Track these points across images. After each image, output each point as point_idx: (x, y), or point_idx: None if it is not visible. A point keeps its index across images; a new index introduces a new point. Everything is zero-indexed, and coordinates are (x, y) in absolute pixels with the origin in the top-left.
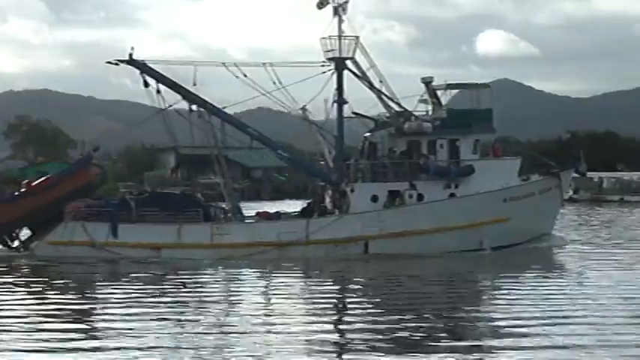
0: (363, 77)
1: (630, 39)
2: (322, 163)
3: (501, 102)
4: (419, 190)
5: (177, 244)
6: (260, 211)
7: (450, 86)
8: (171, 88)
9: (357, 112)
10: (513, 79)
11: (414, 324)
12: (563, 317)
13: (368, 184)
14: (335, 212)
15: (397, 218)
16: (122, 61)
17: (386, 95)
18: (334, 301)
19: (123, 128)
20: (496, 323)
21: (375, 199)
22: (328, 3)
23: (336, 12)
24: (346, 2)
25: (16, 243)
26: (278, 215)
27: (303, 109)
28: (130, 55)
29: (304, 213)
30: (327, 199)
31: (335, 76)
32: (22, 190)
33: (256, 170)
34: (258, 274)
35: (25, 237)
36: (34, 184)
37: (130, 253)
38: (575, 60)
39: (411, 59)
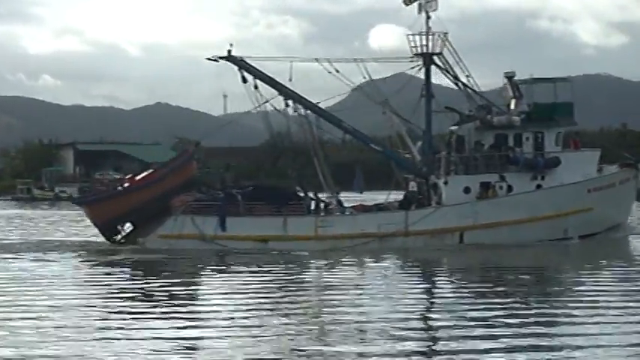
0: (450, 72)
1: (522, 33)
2: (408, 155)
3: (402, 97)
4: (508, 181)
5: (283, 237)
6: (356, 204)
7: (535, 80)
8: (268, 84)
9: (448, 106)
10: (411, 74)
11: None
12: None
13: (460, 176)
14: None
15: (490, 209)
16: (222, 58)
17: (472, 90)
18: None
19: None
20: None
21: (467, 190)
22: (416, 0)
23: (420, 9)
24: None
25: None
26: (377, 208)
27: (385, 103)
28: (229, 51)
29: (402, 205)
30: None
31: (422, 72)
32: (127, 184)
33: (154, 166)
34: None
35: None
36: (138, 178)
37: (238, 245)
38: (469, 54)
39: (305, 54)
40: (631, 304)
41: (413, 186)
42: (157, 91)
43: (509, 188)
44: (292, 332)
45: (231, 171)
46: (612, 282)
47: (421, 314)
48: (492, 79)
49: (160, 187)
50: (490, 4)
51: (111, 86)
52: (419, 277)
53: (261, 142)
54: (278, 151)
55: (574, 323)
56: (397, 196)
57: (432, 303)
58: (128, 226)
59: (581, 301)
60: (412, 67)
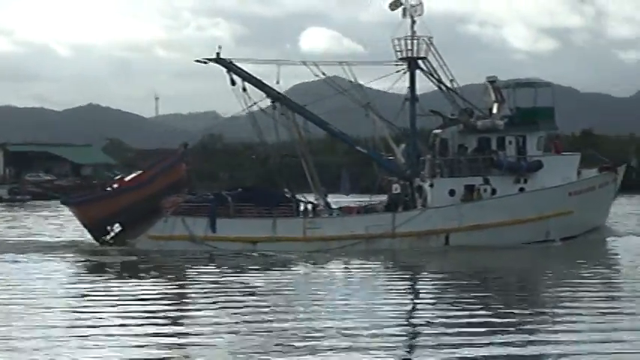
0: (434, 76)
1: (452, 38)
2: (392, 158)
3: (333, 100)
4: (492, 184)
5: (271, 238)
6: (343, 206)
7: (518, 85)
8: (256, 86)
9: (433, 109)
10: (343, 77)
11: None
12: None
13: (445, 179)
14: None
15: (475, 212)
16: (210, 60)
17: (456, 93)
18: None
19: None
20: None
21: (452, 193)
22: (402, 4)
23: (405, 14)
24: (419, 4)
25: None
26: (365, 209)
27: (367, 106)
28: (218, 53)
29: (389, 207)
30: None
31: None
32: (117, 185)
33: (86, 167)
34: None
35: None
36: (127, 179)
37: (227, 246)
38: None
39: (237, 56)
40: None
41: (396, 188)
42: (87, 92)
43: (493, 191)
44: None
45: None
46: (593, 285)
47: (328, 322)
48: (421, 83)
49: (149, 189)
50: None
51: (42, 87)
52: (370, 280)
53: (192, 144)
54: (264, 153)
55: (556, 331)
56: (379, 198)
57: (347, 308)
58: (117, 227)
59: (562, 306)
60: (397, 71)
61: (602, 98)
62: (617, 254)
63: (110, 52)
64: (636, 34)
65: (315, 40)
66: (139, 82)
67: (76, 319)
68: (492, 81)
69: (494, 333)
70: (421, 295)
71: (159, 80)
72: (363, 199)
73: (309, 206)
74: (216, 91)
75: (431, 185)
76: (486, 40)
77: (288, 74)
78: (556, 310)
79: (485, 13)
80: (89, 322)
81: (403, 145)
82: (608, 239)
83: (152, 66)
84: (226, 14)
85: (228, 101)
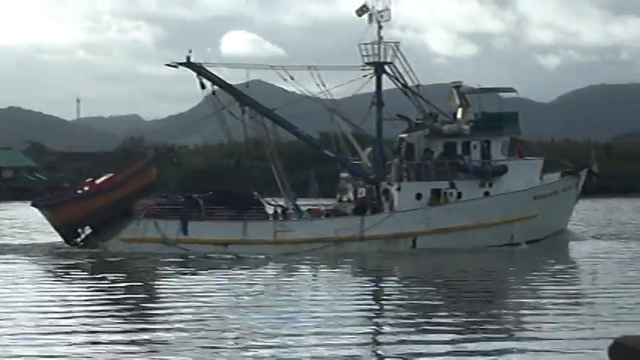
0: (400, 81)
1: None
2: (357, 162)
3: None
4: (458, 188)
5: (242, 241)
6: (311, 208)
7: (482, 90)
8: (225, 90)
9: (400, 114)
10: (266, 81)
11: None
12: None
13: (413, 183)
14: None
15: (441, 215)
16: (181, 64)
17: (423, 99)
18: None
19: None
20: None
21: (419, 197)
22: (368, 10)
23: (371, 19)
24: (386, 10)
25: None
26: (333, 212)
27: (332, 110)
28: (188, 57)
29: (357, 210)
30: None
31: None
32: (87, 188)
33: (6, 170)
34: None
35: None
36: (98, 182)
37: (199, 249)
38: (320, 61)
39: (159, 59)
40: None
41: (362, 192)
42: (7, 95)
43: (459, 195)
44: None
45: (84, 176)
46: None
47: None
48: (346, 87)
49: (121, 191)
50: (342, 12)
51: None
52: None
53: (114, 147)
54: (238, 156)
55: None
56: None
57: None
58: (87, 229)
59: (525, 306)
60: (364, 76)
61: (523, 103)
62: (578, 257)
63: (31, 54)
64: (556, 40)
65: (236, 44)
66: (60, 84)
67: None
68: (457, 86)
69: (456, 332)
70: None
71: (80, 83)
72: (330, 202)
73: (279, 209)
74: (137, 95)
75: (398, 189)
76: (408, 44)
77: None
78: (519, 311)
79: (407, 18)
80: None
81: (369, 149)
82: (570, 242)
83: (73, 68)
84: (147, 17)
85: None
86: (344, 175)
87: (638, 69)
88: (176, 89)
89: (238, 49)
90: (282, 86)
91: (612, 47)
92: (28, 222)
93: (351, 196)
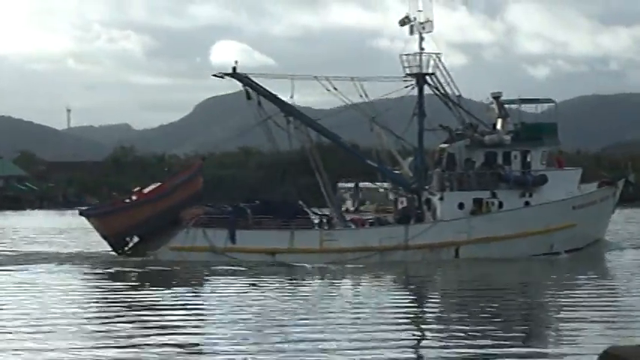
0: (441, 92)
1: (363, 52)
2: (398, 171)
3: (246, 112)
4: (499, 198)
5: (289, 250)
6: (354, 217)
7: (523, 101)
8: (271, 101)
9: (442, 124)
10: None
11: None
12: None
13: (455, 192)
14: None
15: (484, 225)
16: (227, 75)
17: (463, 109)
18: None
19: None
20: None
21: (461, 206)
22: (410, 21)
23: (412, 31)
24: (428, 21)
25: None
26: (377, 221)
27: (372, 119)
28: (234, 68)
29: (401, 220)
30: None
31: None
32: (136, 198)
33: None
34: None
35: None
36: (146, 191)
37: (246, 257)
38: (311, 71)
39: (148, 69)
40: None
41: (402, 201)
42: None
43: (500, 204)
44: None
45: (75, 185)
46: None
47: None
48: (329, 97)
49: (168, 201)
50: (332, 22)
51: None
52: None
53: (104, 157)
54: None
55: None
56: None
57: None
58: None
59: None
60: (406, 87)
61: (512, 113)
62: (618, 267)
63: (21, 64)
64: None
65: (226, 54)
66: (50, 94)
67: None
68: (497, 97)
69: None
70: None
71: (70, 92)
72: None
73: (324, 218)
74: (128, 104)
75: (441, 198)
76: (397, 54)
77: (197, 87)
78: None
79: (397, 28)
80: None
81: (410, 159)
82: (607, 252)
83: (64, 78)
84: (137, 26)
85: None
86: (342, 184)
87: (627, 79)
88: (167, 98)
89: (228, 59)
90: (277, 93)
91: (601, 58)
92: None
93: (349, 205)
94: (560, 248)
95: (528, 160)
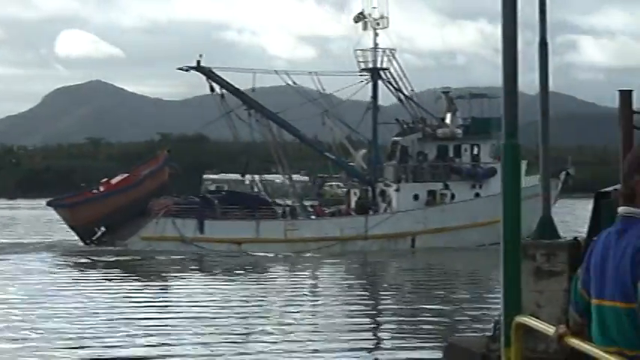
0: (394, 86)
1: (210, 43)
2: (352, 164)
3: (96, 103)
4: (451, 189)
5: (255, 239)
6: (315, 206)
7: (473, 95)
8: (233, 94)
9: (397, 118)
10: (105, 81)
11: None
12: None
13: (411, 184)
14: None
15: (438, 215)
16: (191, 68)
17: (416, 103)
18: None
19: None
20: None
21: (416, 197)
22: (364, 18)
23: (366, 26)
24: (383, 18)
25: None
26: (338, 212)
27: (325, 112)
28: (198, 62)
29: (360, 210)
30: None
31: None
32: (103, 189)
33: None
34: None
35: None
36: (114, 182)
37: (214, 247)
38: (158, 62)
39: None
40: None
41: (355, 193)
42: None
43: (452, 196)
44: None
45: None
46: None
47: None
48: (186, 89)
49: (137, 192)
50: (177, 14)
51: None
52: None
53: None
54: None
55: None
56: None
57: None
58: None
59: None
60: (360, 82)
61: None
62: None
63: None
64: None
65: (73, 44)
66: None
67: None
68: (446, 92)
69: None
70: None
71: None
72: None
73: (287, 209)
74: None
75: (397, 190)
76: (245, 46)
77: (45, 77)
78: None
79: (244, 20)
80: None
81: (362, 152)
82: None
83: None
84: None
85: None
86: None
87: (473, 74)
88: (14, 89)
89: (74, 49)
90: (122, 86)
91: (448, 52)
92: None
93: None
94: None
95: (475, 153)
